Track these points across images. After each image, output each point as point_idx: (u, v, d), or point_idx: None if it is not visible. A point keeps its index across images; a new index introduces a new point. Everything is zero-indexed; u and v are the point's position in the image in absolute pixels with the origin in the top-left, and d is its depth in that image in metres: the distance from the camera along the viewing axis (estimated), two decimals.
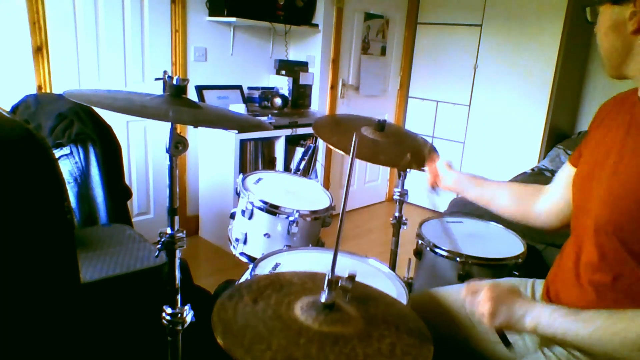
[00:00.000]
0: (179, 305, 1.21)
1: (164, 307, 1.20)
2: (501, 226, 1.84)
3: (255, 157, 3.28)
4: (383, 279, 1.34)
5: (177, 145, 1.10)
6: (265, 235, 1.69)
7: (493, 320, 0.94)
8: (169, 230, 1.17)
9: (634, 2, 0.90)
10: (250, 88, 3.50)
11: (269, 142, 3.36)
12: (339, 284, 0.86)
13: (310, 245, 1.71)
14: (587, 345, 0.86)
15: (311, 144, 3.49)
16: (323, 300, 0.85)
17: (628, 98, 1.03)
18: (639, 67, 0.94)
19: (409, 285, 1.62)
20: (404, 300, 1.21)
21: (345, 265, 1.39)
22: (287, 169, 3.46)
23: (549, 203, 1.24)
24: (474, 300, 0.99)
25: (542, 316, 0.90)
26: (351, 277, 0.86)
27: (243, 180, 1.82)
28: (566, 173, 1.19)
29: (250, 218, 1.68)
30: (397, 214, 1.80)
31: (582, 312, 0.89)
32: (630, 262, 0.90)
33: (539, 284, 1.23)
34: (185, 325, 1.21)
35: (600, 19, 0.98)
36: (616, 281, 0.92)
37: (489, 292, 0.96)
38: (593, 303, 0.96)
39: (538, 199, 1.26)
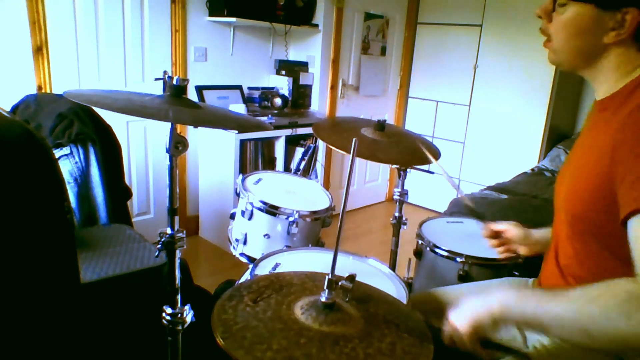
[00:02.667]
0: (179, 305, 1.21)
1: (164, 307, 1.20)
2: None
3: (255, 157, 3.28)
4: (383, 279, 1.34)
5: (177, 145, 1.10)
6: (265, 235, 1.69)
7: (472, 339, 0.88)
8: (169, 230, 1.17)
9: (622, 15, 0.87)
10: (250, 88, 3.50)
11: (269, 142, 3.36)
12: (339, 284, 0.86)
13: (310, 245, 1.71)
14: (562, 321, 0.77)
15: (311, 144, 3.49)
16: (323, 300, 0.85)
17: (599, 102, 1.05)
18: (596, 73, 0.95)
19: (409, 285, 1.62)
20: (404, 300, 1.21)
21: (345, 265, 1.39)
22: (287, 169, 3.46)
23: None
24: (456, 337, 0.91)
25: (509, 299, 0.84)
26: (351, 277, 0.86)
27: (243, 180, 1.82)
28: None
29: (250, 219, 1.68)
30: (397, 214, 1.80)
31: (554, 290, 0.85)
32: (602, 254, 0.93)
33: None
34: (185, 325, 1.21)
35: (571, 16, 0.92)
36: (595, 275, 0.93)
37: (452, 323, 0.91)
38: None
39: None
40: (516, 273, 1.58)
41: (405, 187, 1.76)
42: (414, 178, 4.37)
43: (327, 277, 0.85)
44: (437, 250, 1.66)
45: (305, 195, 1.87)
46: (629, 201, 0.78)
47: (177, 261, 1.19)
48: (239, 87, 3.39)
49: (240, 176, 1.83)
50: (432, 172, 2.42)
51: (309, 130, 3.31)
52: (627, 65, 0.92)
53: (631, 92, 0.90)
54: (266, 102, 3.40)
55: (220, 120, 1.28)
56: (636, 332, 0.70)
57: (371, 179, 4.36)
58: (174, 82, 1.13)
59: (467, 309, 0.89)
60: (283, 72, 3.58)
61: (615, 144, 0.84)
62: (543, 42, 1.01)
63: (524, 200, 2.82)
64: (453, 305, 0.93)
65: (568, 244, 1.01)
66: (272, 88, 3.60)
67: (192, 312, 1.23)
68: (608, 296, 0.75)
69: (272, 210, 1.66)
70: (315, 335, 0.79)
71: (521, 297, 0.84)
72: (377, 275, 1.37)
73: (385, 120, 1.65)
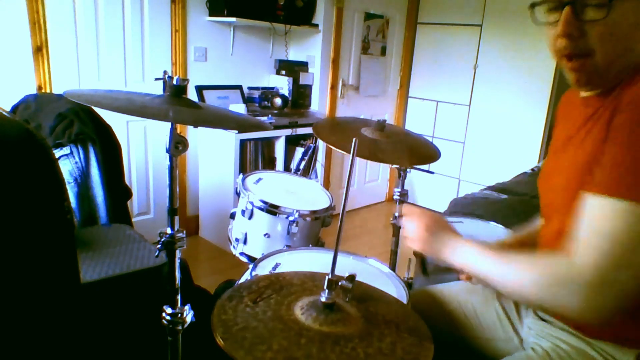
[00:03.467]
0: (179, 305, 1.21)
1: (164, 307, 1.20)
2: (501, 226, 1.84)
3: (255, 157, 3.28)
4: (383, 279, 1.34)
5: (177, 145, 1.10)
6: (265, 235, 1.69)
7: (418, 245, 1.00)
8: (169, 230, 1.17)
9: None
10: (250, 88, 3.50)
11: (269, 142, 3.36)
12: (339, 284, 0.86)
13: (310, 245, 1.71)
14: (503, 285, 0.87)
15: (311, 144, 3.49)
16: (323, 300, 0.85)
17: (573, 98, 1.04)
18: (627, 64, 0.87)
19: (409, 285, 1.62)
20: (404, 300, 1.21)
21: (345, 265, 1.39)
22: (287, 169, 3.46)
23: None
24: (410, 224, 1.02)
25: (468, 255, 0.93)
26: (351, 277, 0.86)
27: (243, 180, 1.82)
28: None
29: (250, 218, 1.68)
30: (397, 214, 1.80)
31: (505, 253, 0.90)
32: None
33: None
34: (185, 325, 1.21)
35: (619, 15, 0.80)
36: None
37: (422, 219, 1.00)
38: None
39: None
40: None
41: (405, 187, 1.76)
42: (414, 178, 4.38)
43: (327, 277, 0.85)
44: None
45: (305, 195, 1.87)
46: (602, 182, 0.77)
47: (177, 261, 1.19)
48: (239, 87, 3.39)
49: (241, 176, 1.83)
50: (432, 172, 2.42)
51: (309, 130, 3.31)
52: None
53: (627, 84, 0.86)
54: (266, 102, 3.40)
55: (220, 120, 1.28)
56: (548, 303, 0.81)
57: (371, 179, 4.36)
58: (174, 82, 1.13)
59: (433, 238, 0.99)
60: (283, 72, 3.58)
61: (611, 132, 0.81)
62: (573, 66, 0.87)
63: (524, 200, 2.81)
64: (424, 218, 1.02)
65: (562, 239, 1.00)
66: (272, 88, 3.60)
67: (192, 312, 1.23)
68: (540, 272, 0.81)
69: (272, 209, 1.66)
70: (316, 335, 0.79)
71: (473, 257, 0.92)
72: (377, 275, 1.37)
73: (385, 120, 1.65)
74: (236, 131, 2.94)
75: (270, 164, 3.38)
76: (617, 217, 0.73)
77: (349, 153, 0.92)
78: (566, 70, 0.90)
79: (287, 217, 1.65)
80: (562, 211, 0.98)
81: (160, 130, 3.02)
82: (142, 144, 2.98)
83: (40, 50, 2.44)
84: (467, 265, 0.94)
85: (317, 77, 3.66)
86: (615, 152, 0.77)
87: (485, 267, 0.90)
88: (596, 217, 0.76)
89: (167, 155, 1.12)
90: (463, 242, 0.96)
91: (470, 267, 0.93)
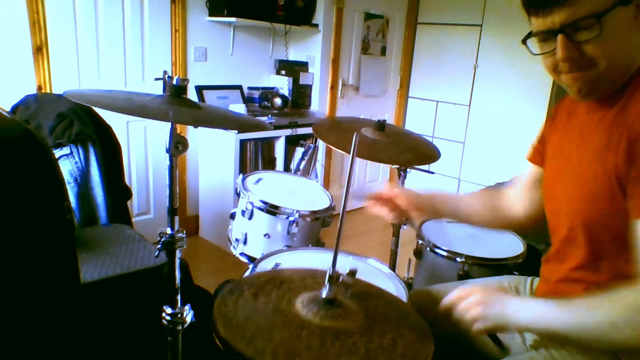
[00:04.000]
0: (179, 305, 1.21)
1: (164, 307, 1.20)
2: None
3: (255, 157, 3.28)
4: (383, 279, 1.34)
5: (177, 145, 1.10)
6: (265, 235, 1.69)
7: (485, 323, 0.92)
8: (169, 230, 1.17)
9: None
10: (250, 88, 3.50)
11: (269, 142, 3.36)
12: (340, 279, 0.86)
13: (310, 245, 1.71)
14: (577, 334, 0.84)
15: (311, 144, 3.49)
16: (324, 295, 0.85)
17: (573, 103, 1.05)
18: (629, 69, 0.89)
19: (409, 285, 1.62)
20: (404, 300, 1.21)
21: (346, 265, 1.39)
22: (287, 169, 3.46)
23: (518, 204, 1.25)
24: (465, 305, 0.96)
25: (536, 311, 0.88)
26: (352, 273, 0.86)
27: (243, 180, 1.82)
28: (529, 172, 1.24)
29: (250, 218, 1.68)
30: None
31: (572, 301, 0.87)
32: (619, 259, 0.91)
33: (538, 280, 1.23)
34: (185, 325, 1.21)
35: (611, 27, 0.82)
36: (612, 280, 0.93)
37: (478, 295, 0.94)
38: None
39: (508, 201, 1.27)
40: (516, 273, 1.58)
41: (405, 187, 1.76)
42: (414, 178, 4.38)
43: (327, 272, 0.85)
44: (437, 250, 1.66)
45: (305, 195, 1.87)
46: (636, 205, 0.79)
47: (177, 261, 1.19)
48: (239, 87, 3.39)
49: (241, 176, 1.83)
50: (432, 172, 2.42)
51: (309, 130, 3.30)
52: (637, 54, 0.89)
53: (634, 85, 0.87)
54: (266, 102, 3.40)
55: (220, 120, 1.28)
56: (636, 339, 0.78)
57: (371, 178, 4.36)
58: (174, 82, 1.13)
59: (495, 309, 0.91)
60: (283, 72, 3.58)
61: (630, 140, 0.82)
62: (577, 77, 0.88)
63: None
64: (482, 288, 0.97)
65: (579, 250, 0.98)
66: (272, 88, 3.60)
67: (192, 312, 1.23)
68: (618, 309, 0.80)
69: (272, 209, 1.66)
70: (316, 329, 0.79)
71: (541, 311, 0.88)
72: (377, 275, 1.37)
73: (385, 120, 1.65)
74: (236, 131, 2.94)
75: (270, 164, 3.38)
76: None
77: (349, 153, 0.92)
78: (567, 83, 0.91)
79: (287, 218, 1.65)
80: (571, 218, 0.99)
81: (160, 130, 3.02)
82: (142, 144, 2.98)
83: (40, 50, 2.44)
84: (535, 322, 0.88)
85: (317, 77, 3.66)
86: None
87: (559, 317, 0.85)
88: None
89: (167, 155, 1.12)
90: (528, 299, 0.95)
91: (540, 323, 0.88)
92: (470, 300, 0.94)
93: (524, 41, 0.92)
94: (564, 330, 0.85)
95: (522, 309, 0.90)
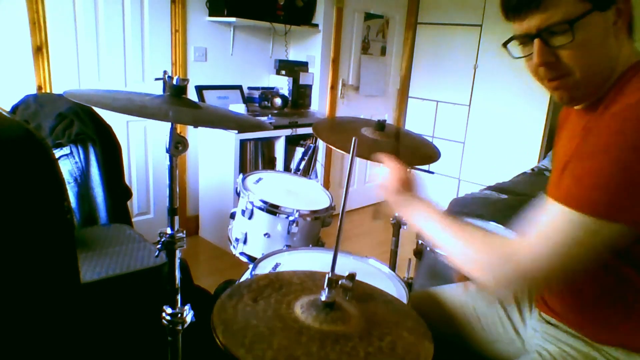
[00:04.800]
0: (179, 305, 1.21)
1: (164, 307, 1.20)
2: (501, 226, 1.84)
3: (255, 157, 3.28)
4: (383, 279, 1.34)
5: (177, 145, 1.10)
6: (265, 235, 1.69)
7: (384, 194, 1.10)
8: (169, 230, 1.17)
9: (616, 5, 0.84)
10: (250, 88, 3.50)
11: (269, 142, 3.36)
12: (339, 283, 0.86)
13: (310, 245, 1.71)
14: (437, 242, 0.97)
15: (311, 144, 3.49)
16: (323, 299, 0.85)
17: (570, 110, 1.05)
18: (609, 75, 0.89)
19: (409, 285, 1.62)
20: (404, 300, 1.21)
21: (345, 266, 1.39)
22: (287, 169, 3.46)
23: None
24: (383, 170, 1.13)
25: (419, 212, 1.03)
26: (351, 276, 0.86)
27: (243, 180, 1.82)
28: None
29: (250, 218, 1.68)
30: (397, 214, 1.80)
31: (451, 220, 0.97)
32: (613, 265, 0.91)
33: None
34: (185, 325, 1.21)
35: (585, 33, 0.83)
36: (593, 283, 0.94)
37: (396, 173, 1.11)
38: (577, 306, 1.00)
39: None
40: None
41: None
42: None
43: (327, 275, 0.85)
44: (437, 250, 1.66)
45: (305, 194, 1.87)
46: (562, 188, 0.83)
47: (177, 261, 1.19)
48: (239, 87, 3.39)
49: (241, 175, 1.83)
50: (432, 172, 2.42)
51: (309, 130, 3.31)
52: (622, 59, 0.89)
53: (620, 90, 0.87)
54: (266, 102, 3.40)
55: (220, 120, 1.28)
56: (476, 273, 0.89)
57: (371, 178, 4.36)
58: (174, 82, 1.13)
59: (397, 195, 1.09)
60: (283, 72, 3.58)
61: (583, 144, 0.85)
62: (555, 85, 0.89)
63: (524, 200, 2.81)
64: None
65: None
66: (272, 88, 3.60)
67: (192, 312, 1.23)
68: (483, 248, 0.89)
69: (272, 209, 1.66)
70: (316, 334, 0.79)
71: (425, 215, 1.02)
72: (377, 275, 1.37)
73: (385, 120, 1.65)
74: (236, 131, 2.94)
75: (270, 164, 3.38)
76: (568, 226, 0.80)
77: (349, 153, 0.92)
78: (550, 91, 0.93)
79: (287, 217, 1.65)
80: None
81: (160, 130, 3.02)
82: (142, 144, 2.98)
83: (40, 50, 2.44)
84: (422, 228, 1.01)
85: (317, 77, 3.66)
86: (580, 165, 0.82)
87: (436, 232, 0.98)
88: (551, 220, 0.82)
89: (167, 155, 1.12)
90: (424, 205, 1.04)
91: (424, 230, 1.01)
92: (385, 180, 1.12)
93: (504, 44, 0.94)
94: (432, 238, 0.98)
95: (413, 211, 1.05)
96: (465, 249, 0.91)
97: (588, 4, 0.82)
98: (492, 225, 1.87)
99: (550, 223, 0.82)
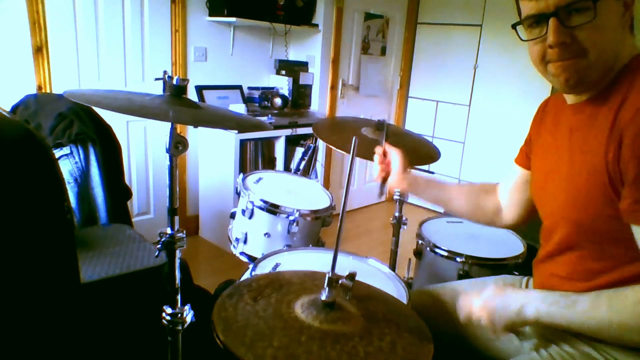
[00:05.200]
0: (179, 305, 1.21)
1: (164, 307, 1.20)
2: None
3: (255, 157, 3.28)
4: (383, 279, 1.34)
5: (177, 145, 1.10)
6: (265, 234, 1.69)
7: (495, 325, 0.95)
8: (169, 230, 1.17)
9: None
10: (250, 88, 3.50)
11: (269, 142, 3.36)
12: (339, 282, 0.86)
13: (311, 245, 1.71)
14: (585, 329, 0.87)
15: (311, 144, 3.49)
16: (323, 298, 0.85)
17: (559, 104, 1.05)
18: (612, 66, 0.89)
19: (409, 285, 1.62)
20: (404, 300, 1.21)
21: (345, 266, 1.39)
22: (287, 168, 3.46)
23: (506, 205, 1.27)
24: (472, 313, 0.99)
25: (540, 303, 0.90)
26: (351, 276, 0.86)
27: (243, 179, 1.82)
28: (515, 174, 1.24)
29: (250, 217, 1.68)
30: (397, 214, 1.80)
31: (578, 298, 0.88)
32: (600, 258, 0.92)
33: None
34: (185, 325, 1.21)
35: (605, 15, 0.82)
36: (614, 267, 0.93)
37: (481, 301, 0.97)
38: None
39: (495, 198, 1.29)
40: (516, 273, 1.58)
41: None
42: None
43: (327, 275, 0.85)
44: (437, 250, 1.66)
45: (305, 194, 1.87)
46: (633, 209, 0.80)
47: (177, 261, 1.19)
48: (239, 87, 3.39)
49: (241, 175, 1.83)
50: (432, 172, 2.41)
51: (309, 130, 3.31)
52: (624, 52, 0.89)
53: (630, 83, 0.86)
54: (266, 102, 3.40)
55: (220, 120, 1.28)
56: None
57: (371, 178, 4.36)
58: (174, 82, 1.13)
59: (498, 306, 0.94)
60: (283, 72, 3.58)
61: (622, 141, 0.82)
62: (567, 65, 0.86)
63: None
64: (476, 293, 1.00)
65: (572, 252, 0.98)
66: (272, 88, 3.60)
67: (192, 312, 1.23)
68: (627, 309, 0.82)
69: (272, 209, 1.66)
70: (316, 333, 0.79)
71: (548, 303, 0.90)
72: (377, 275, 1.37)
73: (385, 120, 1.65)
74: (236, 131, 2.94)
75: (270, 164, 3.38)
76: None
77: (349, 153, 0.92)
78: (555, 73, 0.90)
79: (287, 217, 1.65)
80: (567, 222, 0.98)
81: (160, 130, 3.02)
82: (142, 144, 2.98)
83: (40, 50, 2.44)
84: (541, 316, 0.90)
85: (317, 77, 3.66)
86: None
87: (564, 315, 0.88)
88: None
89: (167, 155, 1.12)
90: (532, 293, 0.94)
91: (546, 316, 0.90)
92: (475, 309, 0.98)
93: (514, 26, 0.92)
94: (568, 327, 0.88)
95: (529, 302, 0.91)
96: (605, 313, 0.84)
97: None
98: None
99: None
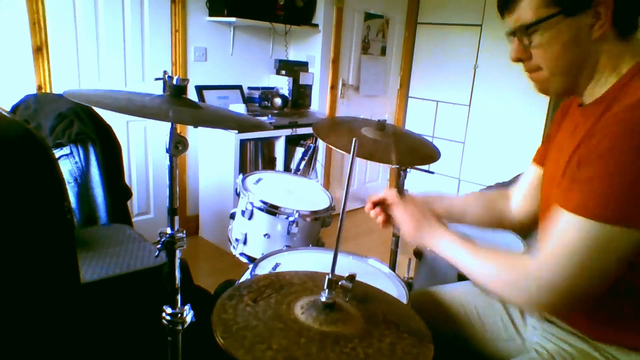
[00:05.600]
0: (179, 305, 1.21)
1: (164, 307, 1.20)
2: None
3: (255, 157, 3.28)
4: (383, 279, 1.34)
5: (177, 145, 1.10)
6: (265, 235, 1.69)
7: (408, 236, 1.09)
8: (169, 230, 1.17)
9: (594, 8, 0.85)
10: (250, 88, 3.50)
11: (269, 142, 3.36)
12: (339, 284, 0.86)
13: (310, 245, 1.71)
14: (469, 273, 0.96)
15: (311, 144, 3.49)
16: (323, 299, 0.85)
17: (572, 104, 1.07)
18: (589, 75, 0.92)
19: (409, 285, 1.62)
20: (404, 300, 1.21)
21: (345, 265, 1.39)
22: (287, 169, 3.46)
23: (520, 204, 1.26)
24: (395, 210, 1.13)
25: (449, 247, 1.01)
26: (351, 277, 0.86)
27: (243, 180, 1.82)
28: (531, 173, 1.24)
29: (250, 218, 1.68)
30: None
31: (473, 244, 0.98)
32: None
33: None
34: (185, 325, 1.21)
35: (549, 35, 0.88)
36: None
37: (409, 208, 1.11)
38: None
39: (508, 203, 1.28)
40: None
41: (405, 187, 1.76)
42: (414, 178, 4.38)
43: (327, 277, 0.85)
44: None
45: (305, 195, 1.87)
46: (572, 196, 0.83)
47: (177, 261, 1.19)
48: (239, 87, 3.39)
49: (241, 176, 1.83)
50: (432, 172, 2.41)
51: (309, 130, 3.30)
52: (613, 60, 0.90)
53: (618, 93, 0.88)
54: (266, 102, 3.40)
55: (220, 120, 1.28)
56: (505, 295, 0.91)
57: (371, 178, 4.36)
58: (174, 82, 1.13)
59: (413, 227, 1.08)
60: (283, 72, 3.58)
61: (586, 151, 0.84)
62: (531, 77, 0.97)
63: None
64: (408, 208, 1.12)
65: None
66: (272, 88, 3.60)
67: (192, 312, 1.23)
68: (504, 267, 0.90)
69: (272, 209, 1.66)
70: (316, 335, 0.79)
71: (455, 249, 1.00)
72: (377, 275, 1.37)
73: (385, 120, 1.65)
74: (236, 131, 2.94)
75: (270, 164, 3.38)
76: (582, 235, 0.80)
77: (349, 153, 0.92)
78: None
79: (287, 218, 1.65)
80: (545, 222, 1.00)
81: (160, 130, 3.02)
82: (142, 144, 2.98)
83: (40, 50, 2.44)
84: (447, 256, 1.01)
85: (317, 77, 3.66)
86: (591, 173, 0.80)
87: (461, 259, 0.98)
88: (565, 230, 0.82)
89: (167, 155, 1.12)
90: (445, 234, 1.03)
91: (450, 258, 1.00)
92: (401, 220, 1.11)
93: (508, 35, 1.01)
94: (464, 270, 0.98)
95: (440, 242, 1.03)
96: (489, 269, 0.92)
97: (555, 8, 0.86)
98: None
99: (565, 234, 0.82)
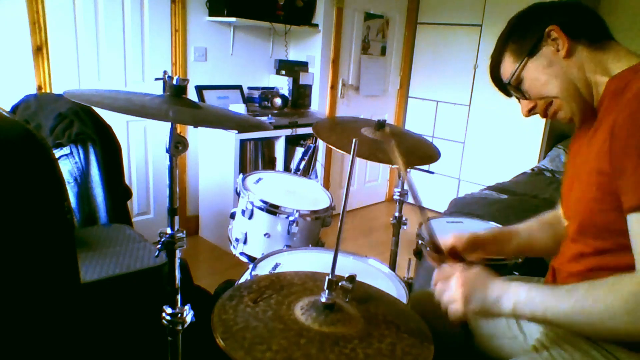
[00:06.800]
0: (179, 305, 1.21)
1: (164, 307, 1.20)
2: (501, 226, 1.84)
3: (255, 157, 3.28)
4: (383, 279, 1.34)
5: (177, 145, 1.10)
6: (265, 235, 1.69)
7: (467, 306, 0.90)
8: (169, 230, 1.17)
9: (548, 38, 0.96)
10: (250, 88, 3.50)
11: (269, 142, 3.36)
12: (340, 284, 0.86)
13: (310, 245, 1.71)
14: (570, 319, 0.82)
15: (311, 144, 3.49)
16: (323, 300, 0.85)
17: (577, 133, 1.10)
18: (587, 85, 0.97)
19: (409, 285, 1.62)
20: (404, 300, 1.21)
21: (346, 265, 1.39)
22: (287, 169, 3.46)
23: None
24: (445, 287, 0.95)
25: (520, 295, 0.86)
26: (351, 278, 0.86)
27: (243, 180, 1.82)
28: None
29: (250, 218, 1.69)
30: (397, 214, 1.80)
31: (560, 286, 0.86)
32: (612, 259, 0.91)
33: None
34: (185, 325, 1.21)
35: (530, 77, 1.00)
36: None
37: (460, 278, 0.92)
38: None
39: (563, 223, 1.21)
40: (516, 273, 1.59)
41: (405, 187, 1.76)
42: (414, 178, 4.37)
43: (327, 277, 0.85)
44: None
45: (305, 194, 1.87)
46: (630, 196, 0.81)
47: (177, 261, 1.19)
48: (239, 87, 3.39)
49: (241, 175, 1.83)
50: (432, 172, 2.42)
51: (309, 130, 3.30)
52: (598, 67, 0.96)
53: (615, 91, 0.91)
54: (266, 102, 3.40)
55: (220, 120, 1.28)
56: (637, 327, 0.76)
57: (371, 178, 4.36)
58: (174, 82, 1.13)
59: (477, 289, 0.91)
60: (283, 72, 3.58)
61: (612, 139, 0.85)
62: (552, 115, 1.02)
63: (524, 200, 2.82)
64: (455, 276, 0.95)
65: (586, 258, 0.98)
66: (272, 88, 3.60)
67: (192, 312, 1.23)
68: (613, 296, 0.79)
69: (272, 209, 1.66)
70: (315, 335, 0.79)
71: (530, 296, 0.86)
72: (377, 275, 1.37)
73: (385, 120, 1.65)
74: (236, 131, 2.94)
75: (270, 164, 3.38)
76: None
77: (349, 153, 0.92)
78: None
79: (287, 217, 1.65)
80: (574, 218, 1.01)
81: (160, 130, 3.02)
82: (142, 144, 2.98)
83: (40, 50, 2.44)
84: (520, 310, 0.86)
85: (317, 77, 3.66)
86: (633, 165, 0.80)
87: (548, 305, 0.83)
88: None
89: (167, 155, 1.12)
90: (510, 285, 0.89)
91: (526, 311, 0.86)
92: (453, 282, 0.93)
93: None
94: (553, 316, 0.83)
95: (504, 297, 0.88)
96: (596, 308, 0.79)
97: (522, 57, 0.99)
98: (492, 226, 1.87)
99: None
